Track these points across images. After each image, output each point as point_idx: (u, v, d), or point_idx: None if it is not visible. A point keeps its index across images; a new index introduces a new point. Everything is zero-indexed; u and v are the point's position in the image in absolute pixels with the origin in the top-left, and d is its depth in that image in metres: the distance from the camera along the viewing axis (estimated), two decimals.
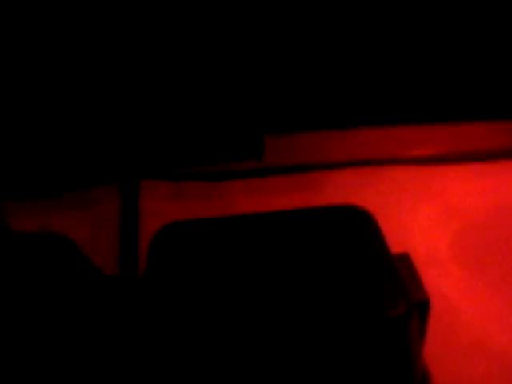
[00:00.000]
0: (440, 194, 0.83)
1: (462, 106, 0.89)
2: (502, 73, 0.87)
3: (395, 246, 0.70)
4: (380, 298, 0.56)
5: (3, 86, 0.75)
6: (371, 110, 0.89)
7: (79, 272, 0.61)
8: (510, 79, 0.89)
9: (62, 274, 0.61)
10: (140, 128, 0.82)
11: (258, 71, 0.82)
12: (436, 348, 0.66)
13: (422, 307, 0.61)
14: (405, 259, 0.65)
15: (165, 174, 0.85)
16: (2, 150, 0.78)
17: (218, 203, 0.82)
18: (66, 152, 0.81)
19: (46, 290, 0.59)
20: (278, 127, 0.87)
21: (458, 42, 0.84)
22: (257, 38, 0.78)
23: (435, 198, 0.83)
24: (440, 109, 0.89)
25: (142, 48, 0.75)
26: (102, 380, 0.59)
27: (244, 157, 0.82)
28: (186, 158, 0.82)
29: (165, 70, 0.78)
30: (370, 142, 0.90)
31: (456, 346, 0.68)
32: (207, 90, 0.80)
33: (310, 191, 0.83)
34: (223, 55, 0.77)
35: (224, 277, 0.58)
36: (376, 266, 0.59)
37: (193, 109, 0.82)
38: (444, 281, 0.73)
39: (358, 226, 0.63)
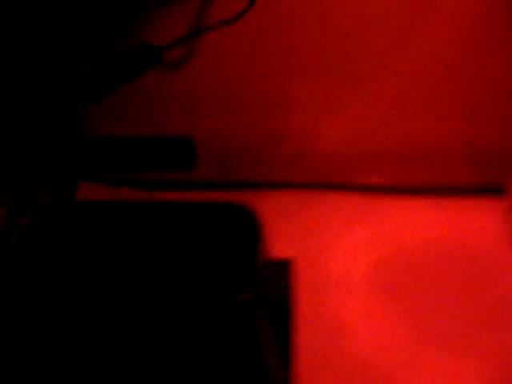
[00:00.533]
0: (375, 223, 0.81)
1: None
2: None
3: (311, 265, 0.69)
4: (223, 286, 0.55)
5: None
6: None
7: None
8: None
9: None
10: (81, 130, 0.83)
11: None
12: (319, 368, 0.64)
13: (279, 310, 0.60)
14: (283, 264, 0.64)
15: (104, 177, 0.85)
16: None
17: None
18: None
19: None
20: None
21: None
22: None
23: (369, 227, 0.81)
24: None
25: None
26: None
27: (176, 166, 0.82)
28: (122, 163, 0.82)
29: None
30: (317, 166, 0.87)
31: (338, 369, 0.64)
32: None
33: None
34: None
35: (76, 260, 0.57)
36: (233, 262, 0.57)
37: None
38: (347, 304, 0.70)
39: (236, 223, 0.62)
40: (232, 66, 0.83)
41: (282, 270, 0.64)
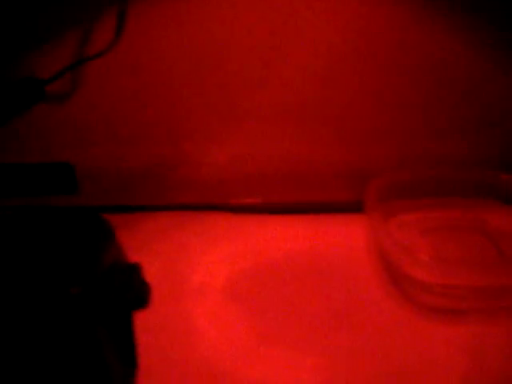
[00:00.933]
0: (244, 239, 0.87)
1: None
2: None
3: (174, 276, 0.74)
4: (58, 281, 0.59)
5: None
6: None
7: None
8: None
9: None
10: None
11: None
12: (165, 365, 0.68)
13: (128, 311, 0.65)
14: (135, 269, 0.67)
15: None
16: None
17: None
18: None
19: None
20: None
21: None
22: None
23: (237, 242, 0.86)
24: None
25: None
26: None
27: (58, 191, 0.86)
28: (7, 189, 0.87)
29: None
30: (198, 189, 0.92)
31: (183, 367, 0.68)
32: None
33: (128, 230, 0.86)
34: None
35: None
36: (74, 260, 0.62)
37: None
38: (200, 310, 0.75)
39: (88, 228, 0.67)
40: (116, 95, 0.88)
41: (136, 274, 0.68)
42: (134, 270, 0.68)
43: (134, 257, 0.78)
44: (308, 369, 0.67)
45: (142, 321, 0.69)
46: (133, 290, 0.67)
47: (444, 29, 0.86)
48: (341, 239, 0.85)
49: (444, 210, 0.89)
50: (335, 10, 0.84)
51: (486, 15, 0.85)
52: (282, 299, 0.76)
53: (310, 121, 0.90)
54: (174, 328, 0.71)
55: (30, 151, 0.90)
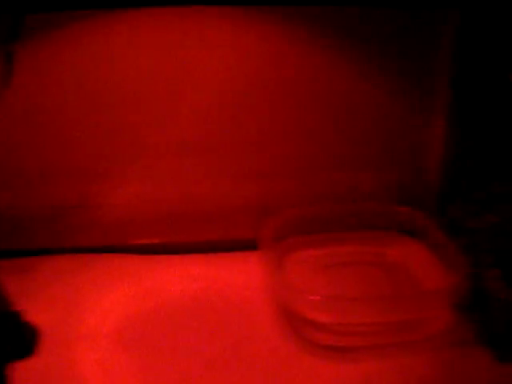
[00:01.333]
0: (139, 281, 0.86)
1: None
2: None
3: (65, 322, 0.72)
4: None
5: None
6: None
7: None
8: None
9: None
10: None
11: None
12: None
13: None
14: (11, 316, 0.66)
15: None
16: None
17: None
18: None
19: None
20: None
21: None
22: None
23: (132, 284, 0.85)
24: None
25: None
26: None
27: None
28: None
29: None
30: (99, 231, 0.92)
31: None
32: None
33: (24, 274, 0.85)
34: None
35: None
36: None
37: None
38: (88, 356, 0.73)
39: None
40: (9, 139, 0.87)
41: (17, 323, 0.67)
42: (14, 318, 0.67)
43: (28, 302, 0.77)
44: None
45: (27, 370, 0.68)
46: (11, 339, 0.65)
47: (352, 68, 0.88)
48: (239, 278, 0.85)
49: (343, 244, 0.90)
50: (233, 49, 0.85)
51: (399, 60, 0.87)
52: (177, 342, 0.75)
53: (209, 158, 0.91)
54: (61, 377, 0.69)
55: None
